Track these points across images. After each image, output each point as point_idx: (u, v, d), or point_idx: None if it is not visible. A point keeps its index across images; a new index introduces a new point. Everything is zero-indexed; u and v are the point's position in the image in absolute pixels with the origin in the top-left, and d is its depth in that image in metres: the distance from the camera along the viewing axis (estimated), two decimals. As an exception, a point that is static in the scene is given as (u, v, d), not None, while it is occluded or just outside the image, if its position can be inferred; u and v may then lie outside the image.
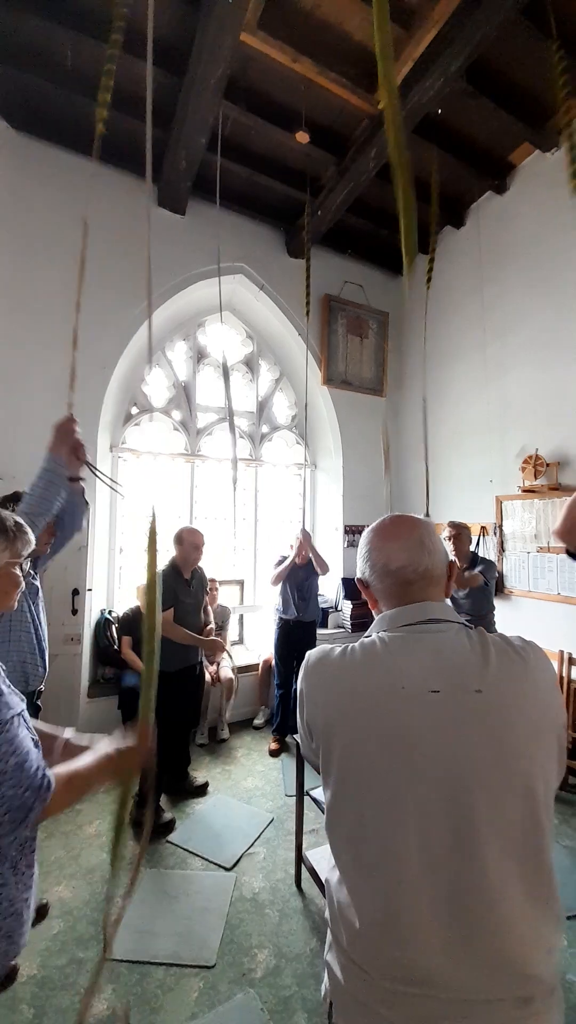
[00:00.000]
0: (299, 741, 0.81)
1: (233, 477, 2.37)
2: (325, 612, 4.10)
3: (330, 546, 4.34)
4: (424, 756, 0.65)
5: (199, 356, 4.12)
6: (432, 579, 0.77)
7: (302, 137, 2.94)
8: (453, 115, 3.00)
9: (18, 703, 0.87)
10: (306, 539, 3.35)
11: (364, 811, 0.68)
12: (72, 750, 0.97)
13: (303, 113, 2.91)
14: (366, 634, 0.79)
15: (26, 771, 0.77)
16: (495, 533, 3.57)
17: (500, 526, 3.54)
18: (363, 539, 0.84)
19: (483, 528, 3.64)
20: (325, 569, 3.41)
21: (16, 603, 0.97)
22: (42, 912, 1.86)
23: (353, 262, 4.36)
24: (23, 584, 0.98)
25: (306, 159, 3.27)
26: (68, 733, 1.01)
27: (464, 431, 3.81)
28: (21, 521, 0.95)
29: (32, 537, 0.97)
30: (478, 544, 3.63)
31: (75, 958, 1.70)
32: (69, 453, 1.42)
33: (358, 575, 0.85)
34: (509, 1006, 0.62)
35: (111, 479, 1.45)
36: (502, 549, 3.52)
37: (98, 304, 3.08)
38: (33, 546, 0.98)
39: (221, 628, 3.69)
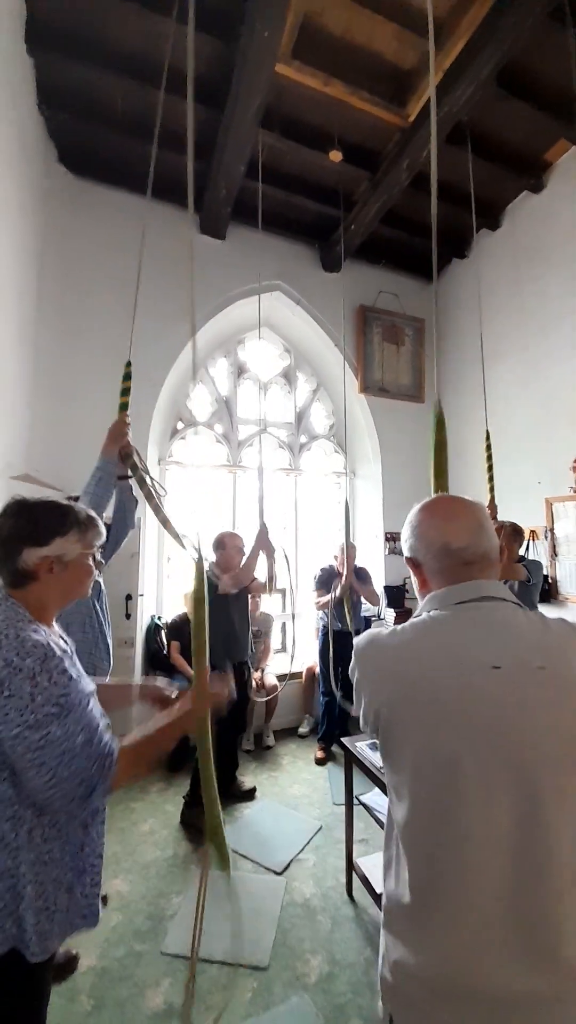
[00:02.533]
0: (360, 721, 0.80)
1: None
2: (368, 621, 4.05)
3: (371, 553, 4.30)
4: (486, 735, 0.63)
5: (239, 371, 4.27)
6: (490, 562, 0.76)
7: (335, 156, 3.05)
8: (485, 119, 3.02)
9: (90, 685, 0.94)
10: (351, 559, 3.22)
11: (424, 794, 0.66)
12: (147, 692, 1.20)
13: (335, 133, 3.02)
14: (416, 613, 0.78)
15: (94, 747, 0.83)
16: (546, 537, 3.42)
17: (551, 529, 3.40)
18: (414, 517, 0.82)
19: (532, 532, 3.50)
20: (376, 601, 3.39)
21: (89, 592, 1.04)
22: (70, 966, 1.90)
23: (387, 272, 4.40)
24: (96, 574, 1.05)
25: (339, 176, 3.38)
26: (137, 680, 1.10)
27: (508, 433, 3.71)
28: (92, 514, 1.01)
29: (103, 529, 1.04)
30: (527, 549, 3.50)
31: (133, 950, 1.74)
32: (119, 453, 1.56)
33: (408, 554, 0.83)
34: (571, 1005, 0.59)
35: (153, 480, 1.58)
36: (554, 554, 3.37)
37: (147, 327, 3.28)
38: (104, 538, 1.04)
39: (264, 636, 3.73)
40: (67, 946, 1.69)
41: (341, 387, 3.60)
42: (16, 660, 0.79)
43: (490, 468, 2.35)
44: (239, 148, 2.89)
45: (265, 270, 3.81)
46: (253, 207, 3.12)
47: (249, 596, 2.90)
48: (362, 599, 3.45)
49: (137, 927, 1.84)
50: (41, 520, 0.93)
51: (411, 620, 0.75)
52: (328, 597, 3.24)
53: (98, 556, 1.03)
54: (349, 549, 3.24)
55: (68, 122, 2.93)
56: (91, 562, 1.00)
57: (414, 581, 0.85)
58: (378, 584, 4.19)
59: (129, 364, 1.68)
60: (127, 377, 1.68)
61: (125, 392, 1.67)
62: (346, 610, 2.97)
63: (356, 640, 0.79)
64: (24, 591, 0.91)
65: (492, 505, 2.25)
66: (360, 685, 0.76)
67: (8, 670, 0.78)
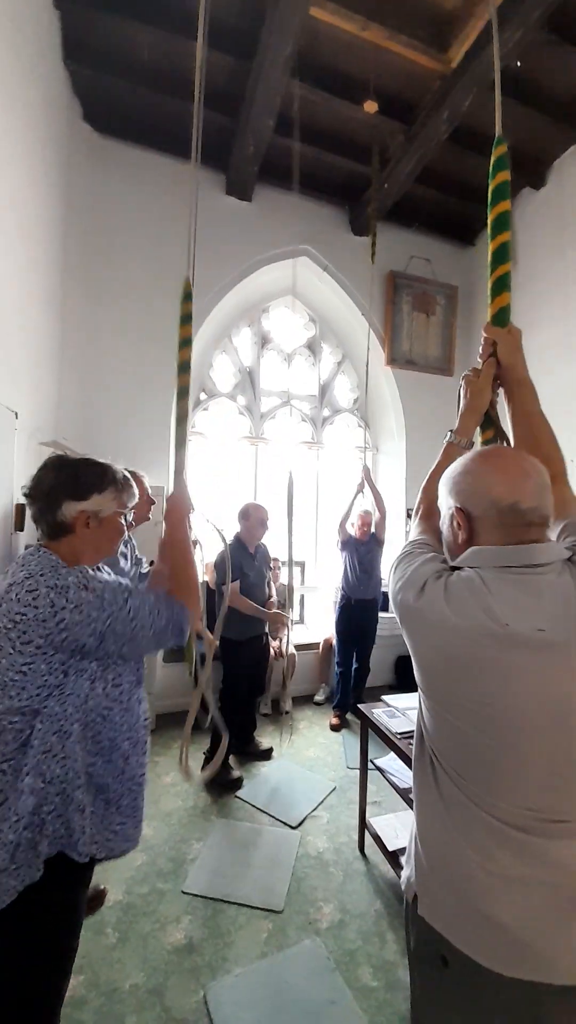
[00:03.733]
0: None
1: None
2: (387, 596, 4.07)
3: (393, 530, 4.27)
4: (532, 700, 0.63)
5: (263, 341, 4.20)
6: (548, 525, 0.74)
7: (370, 107, 2.88)
8: (533, 66, 2.79)
9: (129, 581, 1.02)
10: (367, 474, 3.42)
11: (466, 744, 0.69)
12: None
13: (371, 82, 2.84)
14: (455, 564, 0.76)
15: (164, 599, 0.99)
16: (574, 516, 3.33)
17: (580, 509, 3.30)
18: (472, 464, 0.77)
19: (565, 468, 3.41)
20: (383, 509, 3.46)
21: (117, 551, 1.07)
22: (99, 900, 2.03)
23: (420, 235, 4.20)
24: (127, 534, 1.08)
25: (373, 131, 3.20)
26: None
27: (545, 406, 3.57)
28: (128, 475, 1.04)
29: (136, 491, 1.07)
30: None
31: (156, 888, 1.86)
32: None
33: (459, 504, 0.76)
34: None
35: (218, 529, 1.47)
36: (582, 533, 3.28)
37: (171, 294, 3.25)
38: (136, 499, 1.07)
39: (283, 606, 3.79)
40: (96, 881, 1.82)
41: (367, 358, 3.50)
42: (59, 582, 0.86)
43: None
44: (268, 100, 2.76)
45: (292, 234, 3.68)
46: (282, 167, 3.00)
47: (269, 570, 2.94)
48: (380, 558, 3.50)
49: (160, 868, 1.96)
50: (82, 475, 0.96)
51: (457, 574, 0.73)
52: (351, 504, 3.46)
53: (129, 517, 1.06)
54: (365, 471, 3.46)
55: (93, 77, 2.84)
56: (123, 521, 1.04)
57: (451, 530, 0.79)
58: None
59: (188, 283, 1.42)
60: (188, 297, 1.38)
61: (186, 320, 1.34)
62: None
63: (396, 590, 0.78)
64: (59, 543, 0.95)
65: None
66: (406, 634, 0.77)
67: (55, 592, 0.84)
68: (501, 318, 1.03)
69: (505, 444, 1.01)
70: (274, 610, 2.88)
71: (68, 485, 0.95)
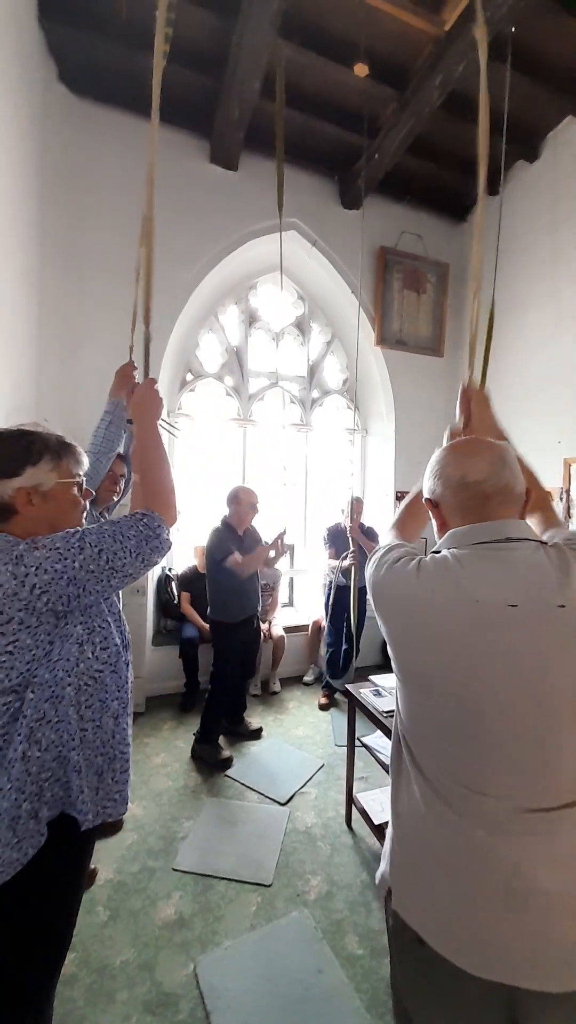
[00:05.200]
0: None
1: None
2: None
3: (382, 513, 4.28)
4: (500, 676, 0.63)
5: (251, 320, 4.09)
6: (511, 496, 0.74)
7: (360, 70, 2.75)
8: (528, 33, 2.67)
9: None
10: (357, 514, 3.34)
11: (434, 726, 0.69)
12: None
13: (361, 44, 2.70)
14: (433, 549, 0.77)
15: (137, 516, 0.95)
16: (562, 499, 3.36)
17: (567, 491, 3.33)
18: (435, 457, 0.82)
19: (547, 493, 3.43)
20: (370, 547, 3.42)
21: (82, 523, 1.01)
22: (117, 826, 2.08)
23: (411, 210, 4.09)
24: (84, 505, 1.01)
25: (364, 97, 3.06)
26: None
27: (530, 388, 3.55)
28: (67, 440, 0.97)
29: (83, 457, 0.99)
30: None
31: (146, 866, 1.89)
32: (128, 395, 1.52)
33: (427, 495, 0.82)
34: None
35: (169, 422, 1.54)
36: (568, 515, 3.31)
37: (154, 268, 3.13)
38: (86, 465, 1.00)
39: (272, 589, 3.80)
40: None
41: (356, 338, 3.43)
42: (11, 555, 0.82)
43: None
44: (254, 60, 2.61)
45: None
46: (269, 134, 2.86)
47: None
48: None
49: (151, 846, 1.99)
50: (5, 450, 0.89)
51: (431, 555, 0.74)
52: (338, 563, 3.36)
53: (84, 485, 1.00)
54: (355, 504, 3.33)
55: (69, 36, 2.66)
56: (76, 492, 0.97)
57: (434, 526, 0.83)
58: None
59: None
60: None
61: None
62: (352, 573, 3.05)
63: (372, 570, 0.79)
64: (9, 525, 0.90)
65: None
66: (377, 612, 0.77)
67: (12, 565, 0.81)
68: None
69: None
70: (269, 552, 2.73)
71: None
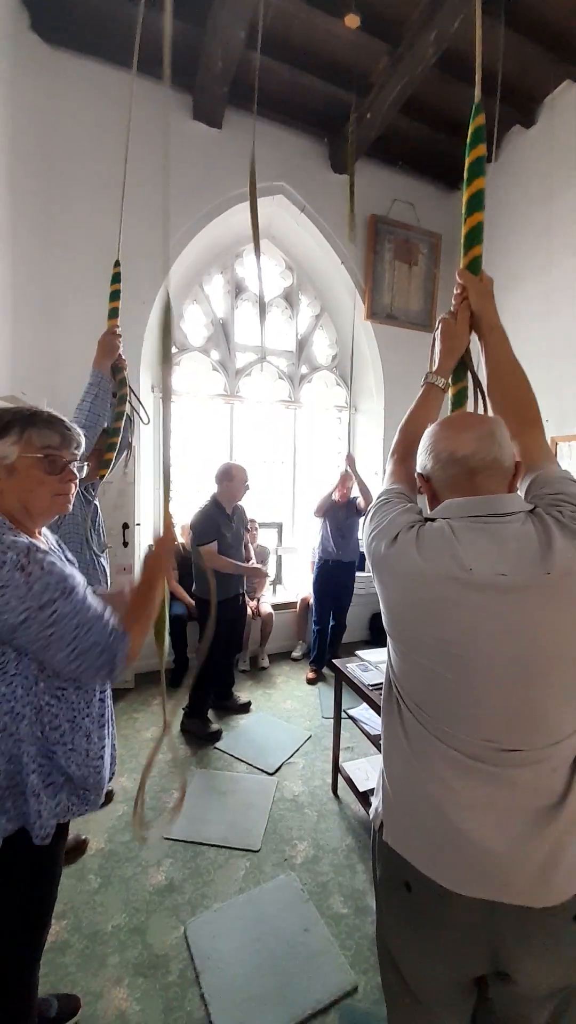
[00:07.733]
0: None
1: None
2: (363, 556, 4.12)
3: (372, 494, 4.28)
4: (490, 637, 0.66)
5: (237, 290, 3.96)
6: (500, 470, 0.75)
7: (351, 21, 2.60)
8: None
9: (81, 578, 0.93)
10: (351, 463, 3.37)
11: (425, 677, 0.73)
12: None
13: (353, -10, 2.54)
14: (430, 516, 0.78)
15: (105, 619, 0.87)
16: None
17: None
18: (426, 434, 0.82)
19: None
20: (369, 498, 3.41)
21: (69, 505, 0.97)
22: (108, 797, 2.11)
23: (404, 176, 3.95)
24: (75, 487, 0.97)
25: (355, 51, 2.90)
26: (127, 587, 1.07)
27: (526, 360, 3.53)
28: (35, 411, 0.91)
29: (68, 431, 0.94)
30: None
31: (137, 835, 1.93)
32: (112, 367, 1.46)
33: (418, 470, 0.83)
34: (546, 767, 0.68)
35: (138, 399, 1.50)
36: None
37: (135, 233, 2.98)
38: (78, 442, 0.96)
39: (263, 564, 3.80)
40: (76, 832, 1.87)
41: (345, 312, 3.35)
42: (12, 553, 0.78)
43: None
44: (238, 6, 2.44)
45: (267, 167, 3.39)
46: (254, 88, 2.70)
47: (246, 531, 2.91)
48: (358, 523, 3.52)
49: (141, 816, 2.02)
50: None
51: (428, 525, 0.75)
52: (326, 495, 3.45)
53: (73, 463, 0.95)
54: (349, 458, 3.43)
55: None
56: (44, 468, 0.90)
57: (425, 499, 0.84)
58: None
59: (118, 264, 1.52)
60: (116, 279, 1.53)
61: (114, 296, 1.53)
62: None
63: (375, 541, 0.79)
64: None
65: None
66: (377, 582, 0.79)
67: (12, 555, 0.78)
68: (474, 268, 1.00)
69: (478, 392, 1.01)
70: (253, 564, 2.86)
71: None
